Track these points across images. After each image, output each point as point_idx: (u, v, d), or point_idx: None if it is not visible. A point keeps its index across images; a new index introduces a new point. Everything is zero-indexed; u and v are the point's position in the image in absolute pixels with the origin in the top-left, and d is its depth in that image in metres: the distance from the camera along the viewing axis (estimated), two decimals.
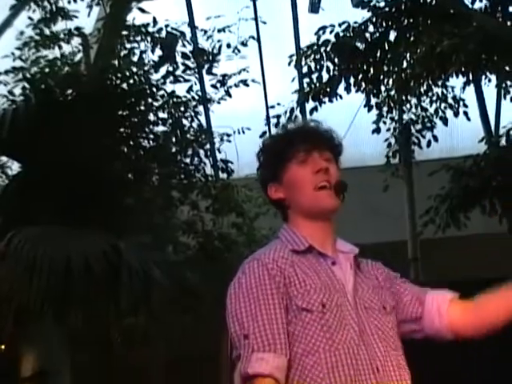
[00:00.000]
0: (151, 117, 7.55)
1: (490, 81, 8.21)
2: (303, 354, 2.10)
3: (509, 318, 2.25)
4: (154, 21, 7.75)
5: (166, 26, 7.81)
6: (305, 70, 8.12)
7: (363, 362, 2.12)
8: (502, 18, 7.53)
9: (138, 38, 7.87)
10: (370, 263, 2.38)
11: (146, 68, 7.71)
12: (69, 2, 7.61)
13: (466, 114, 8.40)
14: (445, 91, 8.41)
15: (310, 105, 8.14)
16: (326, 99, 8.05)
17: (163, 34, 7.83)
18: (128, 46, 7.81)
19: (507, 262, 8.03)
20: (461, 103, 8.39)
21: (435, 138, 8.52)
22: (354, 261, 2.28)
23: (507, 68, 7.85)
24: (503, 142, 8.08)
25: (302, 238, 2.25)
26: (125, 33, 7.80)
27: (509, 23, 7.66)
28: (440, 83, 8.25)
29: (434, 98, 8.47)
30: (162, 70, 7.73)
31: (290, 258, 2.20)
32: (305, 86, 8.23)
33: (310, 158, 2.26)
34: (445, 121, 8.40)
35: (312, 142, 2.28)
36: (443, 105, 8.43)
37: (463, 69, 7.69)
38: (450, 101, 8.40)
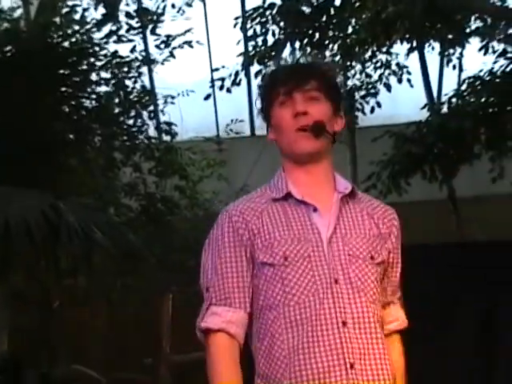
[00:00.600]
0: (93, 76, 7.47)
1: (433, 48, 8.47)
2: (266, 308, 2.09)
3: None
4: None
5: None
6: (250, 32, 8.09)
7: (327, 315, 2.06)
8: None
9: None
10: (383, 209, 2.25)
11: (88, 26, 7.62)
12: None
13: (409, 80, 8.59)
14: (389, 58, 8.57)
15: (255, 68, 8.15)
16: (271, 63, 8.12)
17: None
18: (70, 3, 7.74)
19: (446, 228, 8.29)
20: (404, 70, 8.57)
21: (378, 105, 8.67)
22: (344, 200, 2.17)
23: (450, 36, 8.04)
24: (445, 109, 8.26)
25: (284, 185, 2.17)
26: None
27: None
28: (384, 50, 8.39)
29: (378, 65, 8.63)
30: (105, 29, 7.67)
31: (261, 208, 2.15)
32: (250, 49, 8.23)
33: (290, 100, 2.16)
34: (388, 87, 8.55)
35: (295, 82, 2.16)
36: (387, 71, 8.59)
37: (407, 36, 7.88)
38: (394, 67, 8.58)
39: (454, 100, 8.08)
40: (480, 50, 7.99)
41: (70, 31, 7.39)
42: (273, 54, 8.01)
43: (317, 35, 8.05)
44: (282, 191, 2.15)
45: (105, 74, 7.57)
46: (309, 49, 8.13)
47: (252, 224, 2.12)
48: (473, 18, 7.86)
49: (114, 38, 7.66)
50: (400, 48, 8.32)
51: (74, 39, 7.31)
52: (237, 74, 8.20)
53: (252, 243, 2.11)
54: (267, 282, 2.10)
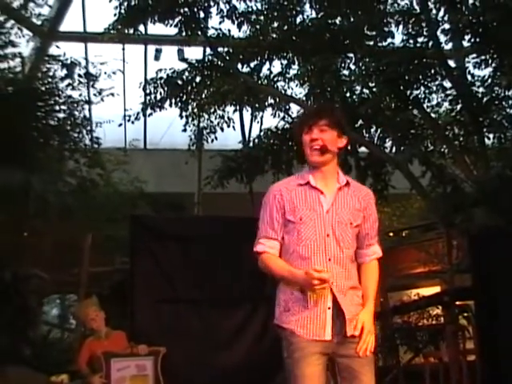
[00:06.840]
0: (56, 107, 10.30)
1: (247, 111, 11.90)
2: (289, 245, 2.76)
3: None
4: None
5: None
6: (148, 91, 11.10)
7: (321, 253, 2.69)
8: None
9: None
10: (359, 188, 2.86)
11: (56, 79, 10.39)
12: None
13: (234, 127, 11.67)
14: (224, 113, 11.62)
15: (148, 111, 11.20)
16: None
17: None
18: (48, 66, 10.58)
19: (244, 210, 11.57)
20: (231, 122, 11.65)
21: (216, 138, 11.60)
22: (339, 190, 2.78)
23: (257, 105, 11.66)
24: (251, 144, 11.49)
25: (306, 176, 2.79)
26: None
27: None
28: (221, 109, 11.42)
29: (219, 117, 11.60)
30: (66, 82, 10.55)
31: (291, 188, 2.79)
32: (147, 100, 11.22)
33: (310, 131, 2.78)
34: (222, 129, 11.66)
35: (313, 121, 2.78)
36: (222, 121, 11.63)
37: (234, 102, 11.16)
38: (226, 120, 11.64)
39: (256, 140, 11.48)
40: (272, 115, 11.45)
41: (46, 81, 10.34)
42: (159, 104, 11.10)
43: (184, 97, 11.12)
44: (304, 180, 2.80)
45: (63, 107, 10.30)
46: (179, 104, 11.31)
47: (285, 197, 2.77)
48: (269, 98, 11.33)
49: (70, 87, 10.50)
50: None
51: (48, 86, 10.37)
52: (138, 113, 11.27)
53: (284, 207, 2.76)
54: (289, 230, 2.76)
